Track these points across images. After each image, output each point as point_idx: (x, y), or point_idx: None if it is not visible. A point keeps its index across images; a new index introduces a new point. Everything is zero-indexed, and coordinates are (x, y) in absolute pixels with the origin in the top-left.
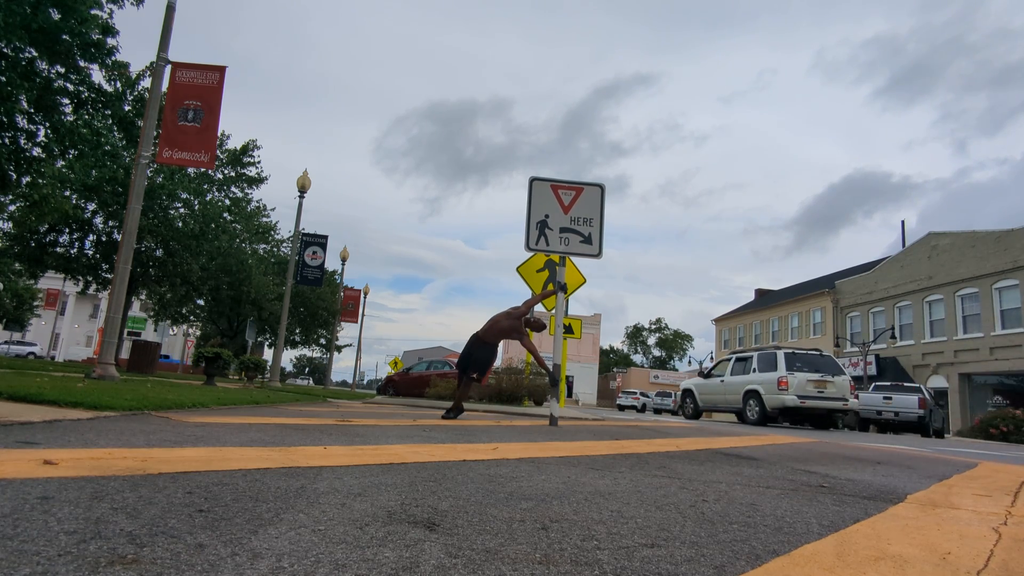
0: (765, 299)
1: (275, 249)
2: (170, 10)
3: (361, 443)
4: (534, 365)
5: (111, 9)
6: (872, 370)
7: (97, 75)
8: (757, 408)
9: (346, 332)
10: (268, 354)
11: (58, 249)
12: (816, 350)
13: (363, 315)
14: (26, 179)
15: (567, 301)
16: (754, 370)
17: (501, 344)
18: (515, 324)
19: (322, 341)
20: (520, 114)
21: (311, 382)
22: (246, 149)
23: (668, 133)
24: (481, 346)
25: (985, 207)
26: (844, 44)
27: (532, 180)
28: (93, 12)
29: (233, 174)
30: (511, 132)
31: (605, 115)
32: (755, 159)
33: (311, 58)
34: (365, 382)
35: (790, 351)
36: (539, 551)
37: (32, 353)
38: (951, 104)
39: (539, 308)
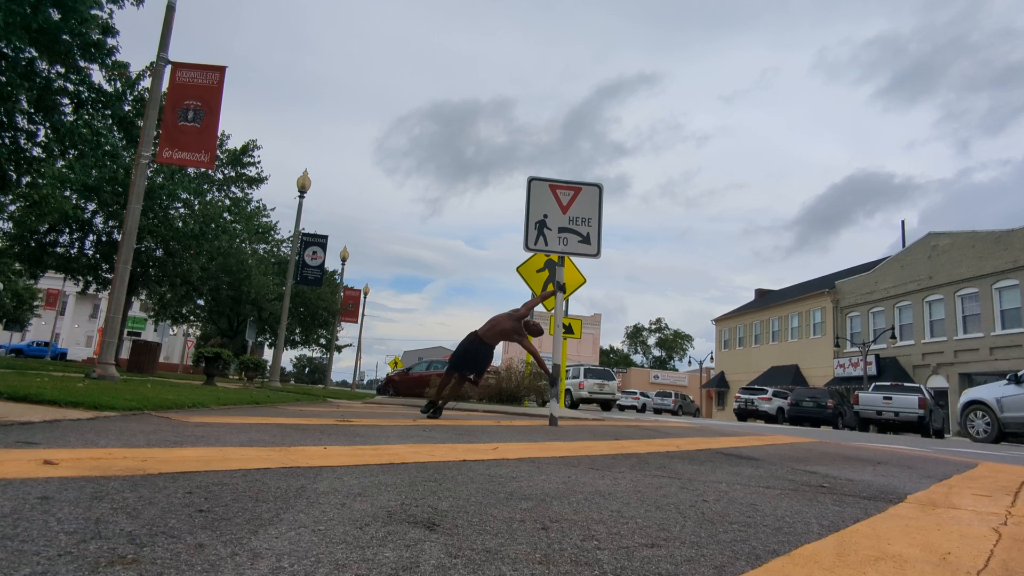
0: (765, 299)
1: (275, 249)
2: (170, 10)
3: (361, 443)
4: (534, 365)
5: (111, 9)
6: (872, 370)
7: (97, 75)
8: (569, 399)
9: (346, 332)
10: (268, 354)
11: (58, 249)
12: (602, 367)
13: (363, 315)
14: (26, 179)
15: (567, 301)
16: (571, 377)
17: (500, 344)
18: (516, 326)
19: (322, 341)
20: (522, 114)
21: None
22: (246, 149)
23: (670, 133)
24: (480, 345)
25: (987, 207)
26: (846, 44)
27: (530, 180)
28: (93, 12)
29: (233, 174)
30: (513, 132)
31: (607, 115)
32: (756, 159)
33: (311, 58)
34: (365, 382)
35: (587, 367)
36: (539, 551)
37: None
38: (953, 104)
39: (539, 308)
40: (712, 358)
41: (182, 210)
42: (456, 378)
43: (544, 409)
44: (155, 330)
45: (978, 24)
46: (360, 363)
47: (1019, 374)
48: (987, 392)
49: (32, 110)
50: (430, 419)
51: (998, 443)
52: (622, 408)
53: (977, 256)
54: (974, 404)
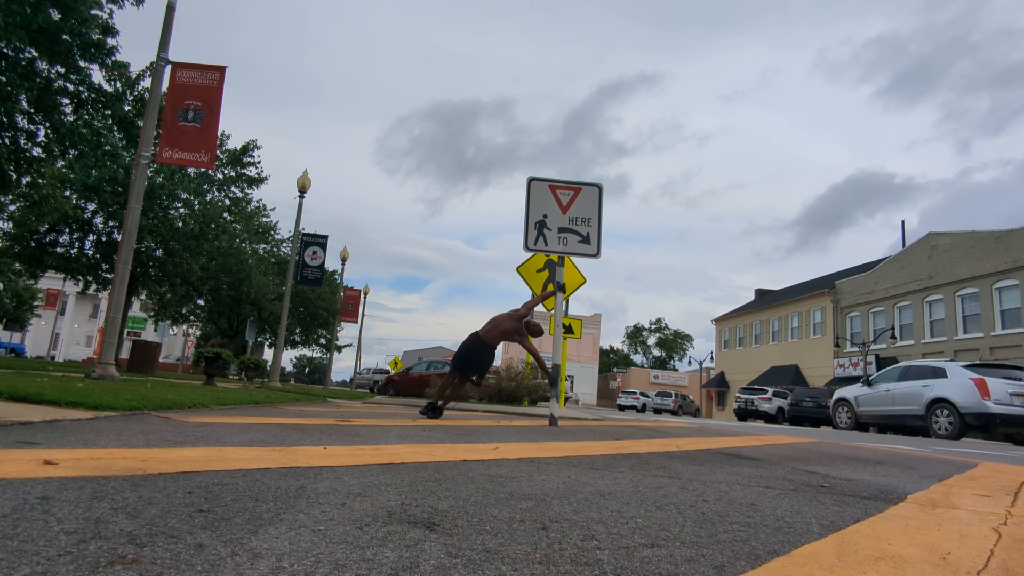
0: (765, 299)
1: (275, 249)
2: (170, 10)
3: (361, 443)
4: (534, 365)
5: (111, 9)
6: (872, 370)
7: (97, 75)
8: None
9: (346, 332)
10: (268, 354)
11: (58, 249)
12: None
13: (363, 315)
14: (26, 179)
15: (567, 301)
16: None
17: (500, 344)
18: (517, 326)
19: (322, 341)
20: (522, 114)
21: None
22: (246, 149)
23: (670, 133)
24: (482, 346)
25: (987, 208)
26: (846, 44)
27: (530, 180)
28: (93, 12)
29: (233, 174)
30: (513, 132)
31: (608, 115)
32: (757, 159)
33: (311, 58)
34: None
35: None
36: (539, 551)
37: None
38: (953, 103)
39: (539, 308)
40: (712, 358)
41: (182, 210)
42: (458, 379)
43: (544, 409)
44: (155, 330)
45: (979, 24)
46: (360, 363)
47: (870, 378)
48: (849, 392)
49: (32, 110)
50: (429, 419)
51: (854, 431)
52: (622, 408)
53: (977, 256)
54: (840, 401)
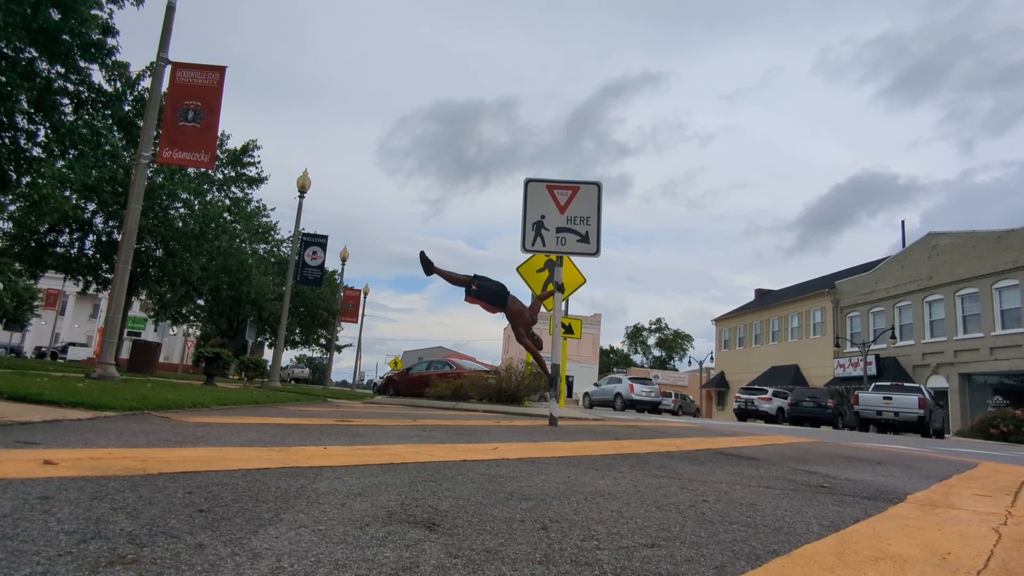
0: (765, 299)
1: (275, 249)
2: (170, 10)
3: (361, 443)
4: (534, 365)
5: (111, 9)
6: (872, 370)
7: (97, 75)
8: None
9: (346, 332)
10: (268, 354)
11: (58, 249)
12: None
13: (363, 315)
14: (26, 179)
15: (567, 301)
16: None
17: (500, 343)
18: (527, 320)
19: (322, 341)
20: (525, 114)
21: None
22: (246, 149)
23: (672, 132)
24: (503, 289)
25: (989, 208)
26: (848, 43)
27: (527, 181)
28: (93, 12)
29: (233, 174)
30: (515, 132)
31: (611, 115)
32: (759, 159)
33: (311, 58)
34: (365, 382)
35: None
36: (539, 551)
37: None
38: (956, 103)
39: (540, 310)
40: (712, 358)
41: (182, 210)
42: (467, 280)
43: (544, 409)
44: (155, 330)
45: (982, 23)
46: (360, 363)
47: (597, 382)
48: (589, 389)
49: (32, 110)
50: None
51: (591, 408)
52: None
53: (977, 256)
54: (586, 393)
